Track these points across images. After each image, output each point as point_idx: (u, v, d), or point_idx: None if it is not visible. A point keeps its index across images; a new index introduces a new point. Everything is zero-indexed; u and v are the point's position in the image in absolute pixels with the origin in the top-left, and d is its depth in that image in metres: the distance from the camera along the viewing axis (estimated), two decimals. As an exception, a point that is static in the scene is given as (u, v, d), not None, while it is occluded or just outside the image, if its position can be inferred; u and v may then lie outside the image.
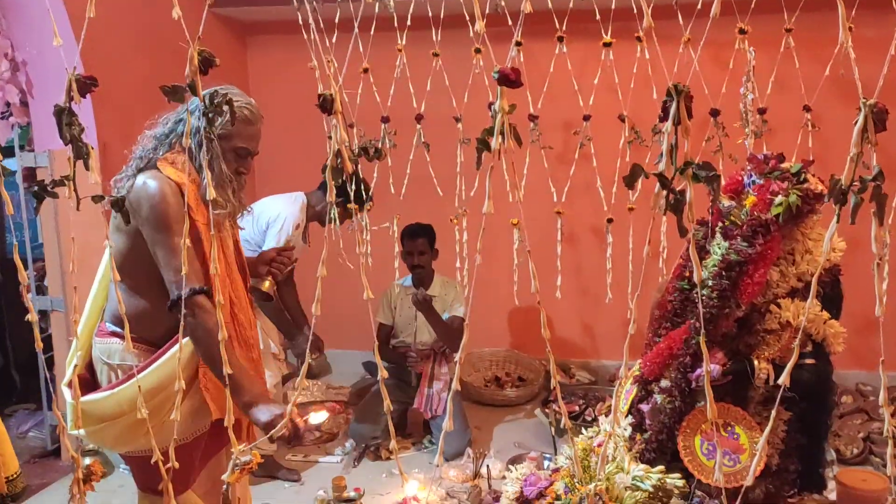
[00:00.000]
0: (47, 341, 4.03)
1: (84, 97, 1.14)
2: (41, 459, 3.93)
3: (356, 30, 3.29)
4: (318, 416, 2.14)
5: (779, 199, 2.01)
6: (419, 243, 4.08)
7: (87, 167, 1.14)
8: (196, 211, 2.04)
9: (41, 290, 4.02)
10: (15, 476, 2.20)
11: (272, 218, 3.60)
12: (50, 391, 3.98)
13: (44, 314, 4.01)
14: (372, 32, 3.25)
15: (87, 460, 3.73)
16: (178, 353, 2.04)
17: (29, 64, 3.66)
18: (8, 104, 3.76)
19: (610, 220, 3.50)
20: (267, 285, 2.31)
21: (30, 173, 3.90)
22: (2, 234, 4.90)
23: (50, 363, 3.96)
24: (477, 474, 3.68)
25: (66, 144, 1.13)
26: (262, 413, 1.93)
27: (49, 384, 3.96)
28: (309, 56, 2.83)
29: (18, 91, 3.72)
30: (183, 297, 1.66)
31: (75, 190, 1.14)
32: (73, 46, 3.47)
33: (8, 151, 4.01)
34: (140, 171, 2.06)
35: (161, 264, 2.02)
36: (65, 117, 1.12)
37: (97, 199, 1.16)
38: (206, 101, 1.21)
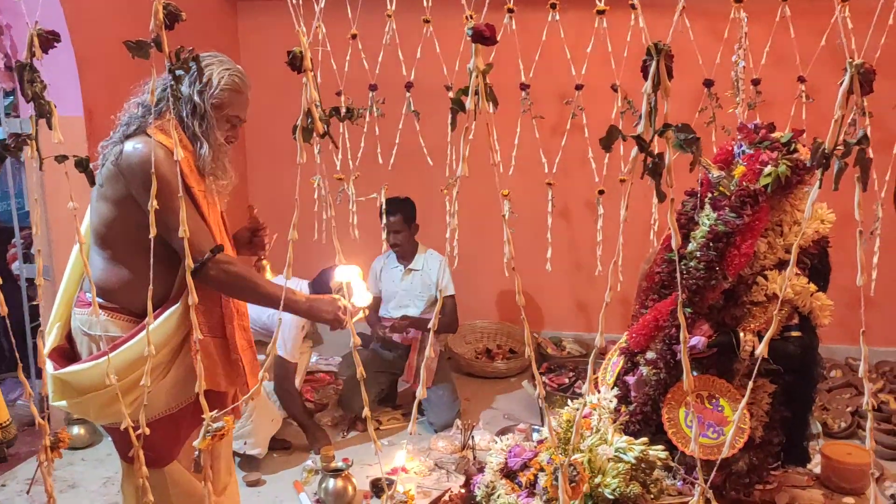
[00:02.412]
0: (35, 309, 4.01)
1: (46, 53, 1.10)
2: (29, 428, 3.92)
3: (345, -6, 3.23)
4: (362, 298, 2.35)
5: (768, 169, 1.98)
6: (394, 222, 4.00)
7: (49, 126, 1.10)
8: (189, 178, 2.00)
9: (28, 259, 3.98)
10: (6, 423, 2.19)
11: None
12: (35, 360, 3.96)
13: (31, 282, 3.99)
14: (360, -3, 3.19)
15: (76, 429, 3.73)
16: (162, 323, 2.03)
17: (14, 28, 3.59)
18: (-8, 69, 3.69)
19: (601, 192, 3.47)
20: (269, 272, 2.33)
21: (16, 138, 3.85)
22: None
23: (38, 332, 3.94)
24: (465, 445, 3.69)
25: (27, 102, 1.09)
26: (326, 309, 2.17)
27: (33, 353, 3.94)
28: (298, 22, 2.77)
29: (3, 55, 3.65)
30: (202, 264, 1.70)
31: (38, 149, 1.10)
32: (58, 10, 3.42)
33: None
34: (128, 137, 2.01)
35: (163, 229, 1.95)
36: (26, 73, 1.08)
37: (60, 158, 1.13)
38: (194, 70, 1.16)
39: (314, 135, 1.09)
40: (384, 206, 3.88)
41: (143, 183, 1.95)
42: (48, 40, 1.10)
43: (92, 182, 1.19)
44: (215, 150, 2.06)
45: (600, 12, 3.25)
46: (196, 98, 2.00)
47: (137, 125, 2.02)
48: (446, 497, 2.34)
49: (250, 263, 2.44)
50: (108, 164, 2.01)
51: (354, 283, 2.32)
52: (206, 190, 2.10)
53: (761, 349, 1.01)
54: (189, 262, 1.17)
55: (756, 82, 3.31)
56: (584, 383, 4.17)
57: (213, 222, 2.11)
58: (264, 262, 2.42)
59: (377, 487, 3.28)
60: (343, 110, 1.16)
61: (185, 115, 2.01)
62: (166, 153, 1.96)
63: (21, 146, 1.16)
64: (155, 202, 1.90)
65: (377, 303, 4.27)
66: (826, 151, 0.91)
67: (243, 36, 5.12)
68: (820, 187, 0.95)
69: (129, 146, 1.98)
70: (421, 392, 1.13)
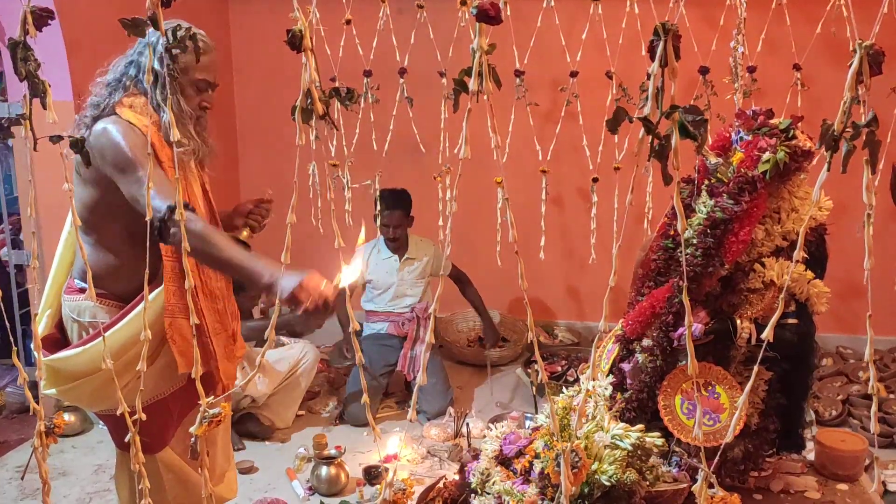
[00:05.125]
0: (23, 296, 3.97)
1: (40, 31, 1.08)
2: (19, 415, 3.90)
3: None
4: (350, 273, 1.55)
5: (766, 155, 1.97)
6: (396, 216, 3.99)
7: (43, 105, 1.08)
8: (161, 151, 1.96)
9: (16, 245, 3.94)
10: None
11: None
12: (24, 347, 3.93)
13: (20, 269, 3.95)
14: (355, -18, 3.15)
15: (67, 416, 3.71)
16: (149, 306, 2.00)
17: (2, 11, 3.54)
18: (-21, 52, 3.64)
19: (595, 180, 3.46)
20: (245, 234, 2.24)
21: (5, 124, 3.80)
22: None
23: (28, 318, 3.91)
24: (458, 433, 3.69)
25: (21, 80, 1.06)
26: (288, 281, 1.71)
27: (22, 340, 3.91)
28: (292, 6, 2.73)
29: (-8, 39, 3.60)
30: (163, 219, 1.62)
31: (32, 130, 1.08)
32: (46, -8, 3.37)
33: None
34: (96, 119, 1.98)
35: (136, 198, 1.92)
36: (20, 52, 1.05)
37: (55, 138, 1.11)
38: (169, 36, 1.14)
39: (312, 118, 1.07)
40: (382, 200, 3.86)
41: (112, 163, 1.92)
42: (42, 17, 1.08)
43: (88, 162, 1.17)
44: (177, 117, 1.98)
45: (595, -1, 3.24)
46: (156, 66, 1.92)
47: (105, 105, 1.99)
48: (441, 484, 2.33)
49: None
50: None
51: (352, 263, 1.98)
52: (179, 162, 2.04)
53: (767, 333, 1.00)
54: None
55: (752, 70, 3.31)
56: (576, 372, 4.17)
57: (187, 198, 2.05)
58: (246, 229, 2.28)
59: (370, 475, 3.27)
60: (343, 90, 1.13)
61: (145, 84, 1.96)
62: (132, 129, 1.91)
63: (13, 125, 1.14)
64: (136, 179, 1.84)
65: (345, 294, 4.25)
66: (835, 133, 0.90)
67: (234, 18, 5.07)
68: (829, 170, 0.94)
69: (99, 127, 1.95)
70: (421, 378, 1.11)
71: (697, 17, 3.69)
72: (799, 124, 2.03)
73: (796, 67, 3.34)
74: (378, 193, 3.77)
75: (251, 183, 5.14)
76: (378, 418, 3.96)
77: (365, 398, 1.16)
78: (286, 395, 3.82)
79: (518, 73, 3.38)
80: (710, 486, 1.01)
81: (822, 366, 4.28)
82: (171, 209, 1.75)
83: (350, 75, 3.36)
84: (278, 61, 4.62)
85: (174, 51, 1.23)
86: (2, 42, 3.58)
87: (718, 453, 1.35)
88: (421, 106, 3.45)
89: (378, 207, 3.84)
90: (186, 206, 1.82)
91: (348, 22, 3.21)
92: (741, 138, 2.11)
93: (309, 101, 1.04)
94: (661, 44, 0.93)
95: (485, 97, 1.01)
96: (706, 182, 2.13)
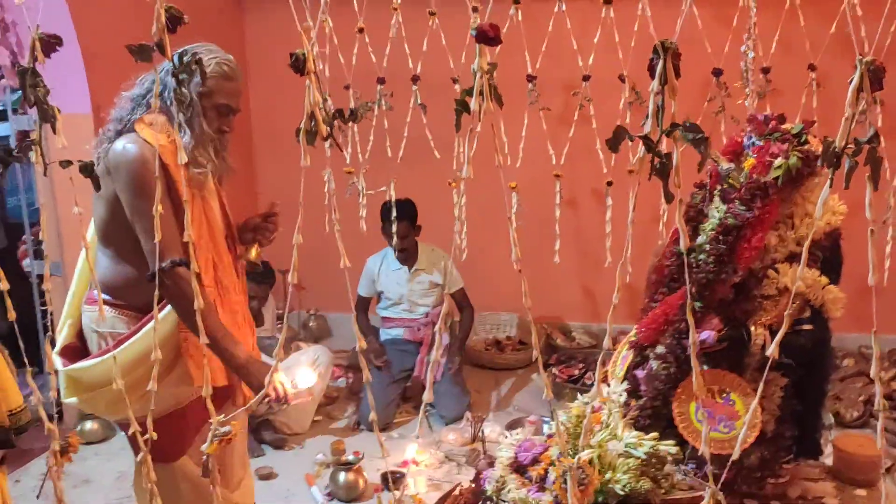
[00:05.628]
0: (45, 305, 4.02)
1: (48, 57, 1.10)
2: (41, 423, 3.95)
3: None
4: (305, 379, 2.25)
5: (778, 161, 1.96)
6: (401, 227, 3.95)
7: (53, 130, 1.10)
8: (176, 171, 1.99)
9: (39, 255, 4.00)
10: (18, 410, 2.18)
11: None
12: (46, 356, 3.98)
13: (42, 278, 4.00)
14: (367, -9, 3.17)
15: (89, 424, 3.74)
16: (162, 320, 2.02)
17: (19, 25, 3.59)
18: (-1, 66, 3.70)
19: (609, 183, 3.45)
20: (254, 254, 2.27)
21: (24, 136, 3.85)
22: (2, 198, 4.88)
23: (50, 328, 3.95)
24: (476, 438, 3.69)
25: (30, 107, 1.09)
26: (257, 375, 2.01)
27: (42, 349, 3.96)
28: (305, 16, 2.75)
29: (9, 53, 3.65)
30: (161, 270, 1.63)
31: (42, 155, 1.10)
32: (63, 7, 3.41)
33: (2, 115, 3.98)
34: (119, 134, 2.01)
35: (139, 232, 1.98)
36: (28, 78, 1.07)
37: (64, 164, 1.13)
38: (176, 62, 1.16)
39: (316, 139, 1.08)
40: (386, 212, 3.86)
41: (126, 185, 1.97)
42: (50, 44, 1.09)
43: (98, 187, 1.19)
44: (197, 139, 2.03)
45: (607, 2, 3.22)
46: (183, 87, 1.97)
47: (128, 121, 2.02)
48: (457, 492, 2.34)
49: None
50: (101, 164, 2.01)
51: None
52: (195, 182, 2.07)
53: (772, 349, 1.00)
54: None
55: (766, 70, 3.28)
56: (594, 375, 4.16)
57: (199, 217, 2.08)
58: (255, 247, 2.33)
59: (388, 480, 3.29)
60: (347, 111, 1.14)
61: (170, 105, 1.99)
62: (153, 154, 1.94)
63: (26, 151, 1.16)
64: (150, 206, 1.89)
65: (365, 306, 4.30)
66: (836, 150, 0.90)
67: (249, 29, 5.11)
68: (831, 186, 0.93)
69: (119, 145, 1.98)
70: (427, 395, 1.12)
71: (710, 17, 3.66)
72: (811, 128, 2.02)
73: (811, 67, 3.31)
74: (382, 206, 3.79)
75: (268, 193, 5.17)
76: (396, 423, 3.97)
77: (373, 416, 1.17)
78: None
79: (530, 78, 3.38)
80: (718, 503, 1.01)
81: (843, 366, 4.23)
82: (174, 263, 1.85)
83: (364, 82, 3.38)
84: (293, 71, 4.65)
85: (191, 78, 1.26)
86: (20, 56, 3.63)
87: (732, 461, 1.34)
88: (435, 111, 3.46)
89: (382, 220, 3.86)
90: (182, 263, 1.94)
91: (361, 30, 3.22)
92: (753, 143, 2.10)
93: (313, 122, 1.06)
94: (661, 62, 0.93)
95: (494, 108, 1.02)
96: (718, 187, 2.12)
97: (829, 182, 0.94)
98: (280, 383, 2.09)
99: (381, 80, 3.41)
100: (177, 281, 1.95)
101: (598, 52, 3.39)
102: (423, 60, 3.34)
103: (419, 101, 3.38)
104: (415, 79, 3.39)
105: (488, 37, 0.96)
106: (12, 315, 1.19)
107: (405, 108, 3.39)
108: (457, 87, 3.48)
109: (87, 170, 1.13)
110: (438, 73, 3.51)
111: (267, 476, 3.44)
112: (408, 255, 4.15)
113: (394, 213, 3.55)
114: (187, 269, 1.93)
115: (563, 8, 3.19)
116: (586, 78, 3.45)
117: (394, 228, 3.52)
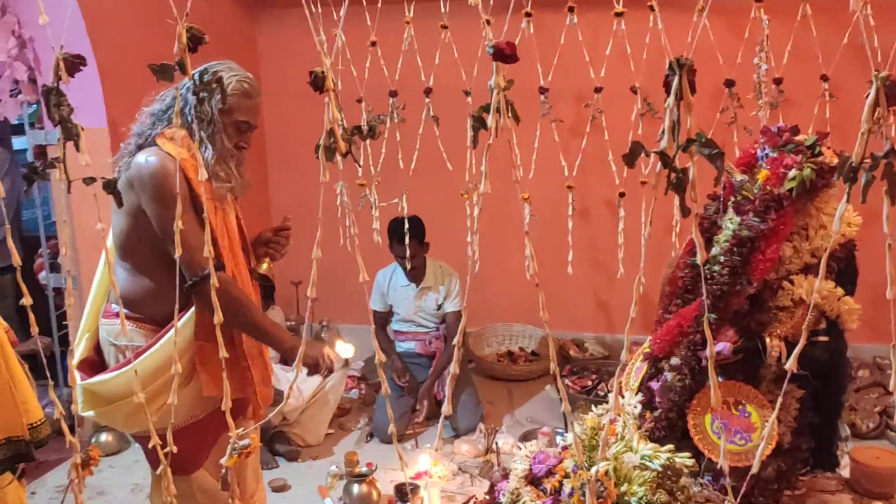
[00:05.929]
0: (61, 318, 4.05)
1: (72, 76, 1.12)
2: (57, 436, 3.96)
3: (364, 2, 3.24)
4: (344, 350, 2.51)
5: (792, 172, 1.96)
6: (410, 246, 3.93)
7: (77, 148, 1.12)
8: (198, 185, 2.01)
9: (55, 268, 4.03)
10: (39, 423, 2.19)
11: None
12: (64, 368, 4.01)
13: (58, 291, 4.04)
14: (380, 5, 3.19)
15: (104, 436, 3.75)
16: (179, 331, 2.04)
17: (36, 40, 3.64)
18: (16, 81, 3.74)
19: (622, 195, 3.46)
20: (265, 267, 2.29)
21: (41, 151, 3.90)
22: (18, 212, 4.92)
23: (66, 340, 3.98)
24: (489, 449, 3.69)
25: (54, 126, 1.10)
26: (309, 353, 2.17)
27: (60, 362, 3.99)
28: (319, 30, 2.78)
29: (27, 68, 3.70)
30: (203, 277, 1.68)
31: (66, 172, 1.12)
32: (80, 22, 3.46)
33: (19, 129, 4.02)
34: (140, 148, 2.04)
35: (170, 243, 1.98)
36: (52, 97, 1.09)
37: (88, 181, 1.14)
38: (196, 80, 1.17)
39: (335, 156, 1.10)
40: (393, 232, 3.87)
41: (153, 196, 1.99)
42: (74, 64, 1.11)
43: (120, 203, 1.20)
44: (219, 155, 2.07)
45: (618, 14, 3.24)
46: (204, 105, 1.99)
47: (148, 135, 2.05)
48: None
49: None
50: (122, 177, 2.03)
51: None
52: (217, 195, 2.11)
53: (790, 363, 1.00)
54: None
55: (778, 81, 3.28)
56: (606, 386, 4.15)
57: (221, 228, 2.11)
58: (266, 261, 2.38)
59: (402, 492, 3.28)
60: (365, 127, 1.16)
61: (191, 121, 2.01)
62: (175, 166, 1.97)
63: (49, 168, 1.18)
64: (172, 217, 1.93)
65: (383, 319, 4.31)
66: (853, 165, 0.90)
67: (263, 43, 5.15)
68: (848, 201, 0.94)
69: (141, 158, 2.00)
70: (446, 408, 1.13)
71: (723, 27, 3.67)
72: (825, 140, 2.02)
73: (824, 78, 3.31)
74: (388, 225, 3.80)
75: (281, 206, 5.20)
76: (409, 435, 3.97)
77: (392, 428, 1.18)
78: (317, 412, 3.87)
79: (543, 90, 3.39)
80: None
81: (858, 377, 4.20)
82: (215, 267, 1.89)
83: (376, 94, 3.40)
84: (306, 83, 4.68)
85: (211, 96, 1.30)
86: (37, 71, 3.68)
87: (750, 474, 1.34)
88: (447, 123, 3.47)
89: (390, 239, 3.87)
90: (222, 267, 2.02)
91: (373, 44, 3.25)
92: (766, 155, 2.10)
93: (332, 139, 1.07)
94: (676, 79, 0.94)
95: (511, 124, 1.03)
96: (732, 199, 2.12)
97: (845, 196, 0.94)
98: (328, 355, 2.23)
99: (393, 93, 3.44)
100: (220, 285, 1.98)
101: (610, 64, 3.40)
102: (436, 73, 3.36)
103: (432, 114, 3.41)
104: (427, 91, 3.41)
105: (505, 54, 0.97)
106: (35, 330, 1.20)
107: (417, 121, 3.42)
108: (469, 99, 3.50)
109: (110, 186, 1.15)
110: (450, 85, 3.53)
111: (280, 488, 3.45)
112: (416, 273, 4.16)
113: (407, 237, 3.58)
114: (222, 272, 1.98)
115: (575, 20, 3.20)
116: (598, 90, 3.46)
117: (408, 253, 3.56)
